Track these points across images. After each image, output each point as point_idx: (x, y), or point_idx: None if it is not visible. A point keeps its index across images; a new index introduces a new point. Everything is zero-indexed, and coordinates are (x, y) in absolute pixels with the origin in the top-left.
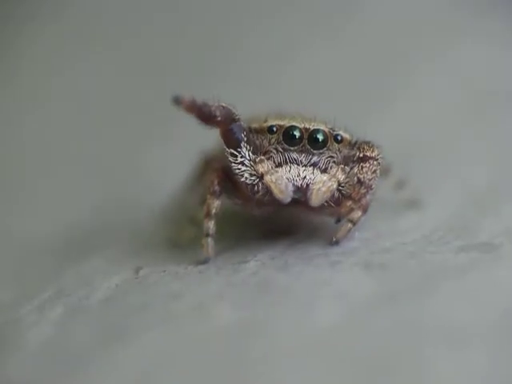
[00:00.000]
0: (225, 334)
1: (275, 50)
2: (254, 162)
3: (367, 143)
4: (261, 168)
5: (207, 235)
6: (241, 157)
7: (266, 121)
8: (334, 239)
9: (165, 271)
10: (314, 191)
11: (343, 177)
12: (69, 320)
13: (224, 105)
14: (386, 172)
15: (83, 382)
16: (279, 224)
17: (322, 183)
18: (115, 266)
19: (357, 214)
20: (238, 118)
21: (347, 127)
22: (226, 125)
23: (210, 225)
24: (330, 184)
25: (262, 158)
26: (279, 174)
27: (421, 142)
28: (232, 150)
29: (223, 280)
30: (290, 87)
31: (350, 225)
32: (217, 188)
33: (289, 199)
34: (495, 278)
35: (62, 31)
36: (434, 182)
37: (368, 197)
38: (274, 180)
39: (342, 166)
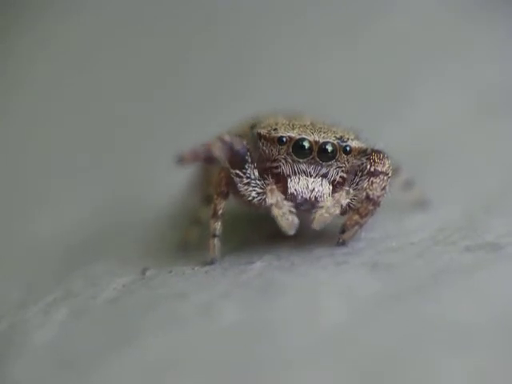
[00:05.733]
0: (231, 334)
1: (295, 58)
2: (264, 187)
3: (378, 154)
4: (270, 199)
5: (214, 236)
6: (246, 178)
7: (275, 129)
8: (341, 240)
9: (171, 272)
10: (317, 216)
11: (347, 201)
12: (75, 321)
13: (224, 139)
14: (395, 172)
15: (89, 383)
16: None
17: (325, 209)
18: (122, 267)
19: None
20: (241, 143)
21: (358, 130)
22: (230, 156)
23: (217, 226)
24: (332, 210)
25: (273, 187)
26: (287, 207)
27: (431, 143)
28: (237, 171)
29: (229, 280)
30: (310, 91)
31: (356, 226)
32: (224, 189)
33: (293, 232)
34: (500, 277)
35: (69, 32)
36: (443, 182)
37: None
38: (281, 214)
39: (347, 188)
